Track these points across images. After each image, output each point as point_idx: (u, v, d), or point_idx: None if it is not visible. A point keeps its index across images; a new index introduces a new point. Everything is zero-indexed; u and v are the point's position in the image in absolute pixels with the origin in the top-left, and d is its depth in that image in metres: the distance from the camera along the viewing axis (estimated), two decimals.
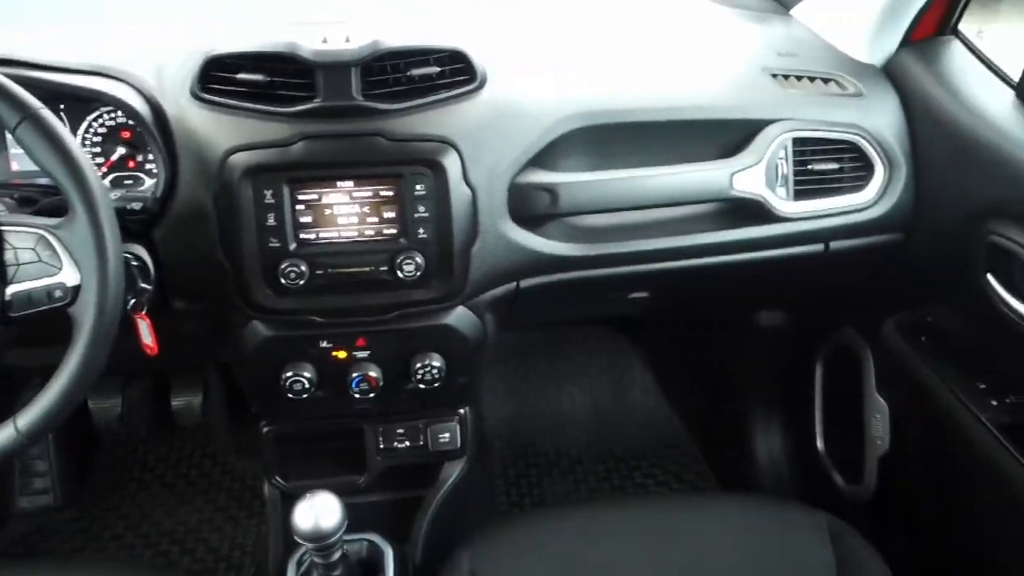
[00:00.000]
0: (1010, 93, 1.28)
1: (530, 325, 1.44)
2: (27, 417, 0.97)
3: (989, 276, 1.24)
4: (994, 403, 1.25)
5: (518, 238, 1.22)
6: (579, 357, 2.12)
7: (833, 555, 1.11)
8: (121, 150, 1.25)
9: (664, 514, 1.21)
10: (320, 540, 1.07)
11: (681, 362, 2.05)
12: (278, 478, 1.44)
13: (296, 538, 1.09)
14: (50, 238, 0.97)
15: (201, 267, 1.17)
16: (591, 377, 2.10)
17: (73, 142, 0.96)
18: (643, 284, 1.41)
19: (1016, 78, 1.28)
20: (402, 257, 1.16)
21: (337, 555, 1.14)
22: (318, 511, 1.07)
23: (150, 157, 1.25)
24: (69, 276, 0.96)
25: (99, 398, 1.84)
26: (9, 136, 1.24)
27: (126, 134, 1.25)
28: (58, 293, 0.96)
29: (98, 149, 1.24)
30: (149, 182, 1.25)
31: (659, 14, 1.56)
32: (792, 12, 1.60)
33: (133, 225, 1.15)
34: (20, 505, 1.83)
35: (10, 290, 0.97)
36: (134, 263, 1.14)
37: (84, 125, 1.23)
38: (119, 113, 1.24)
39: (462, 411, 1.45)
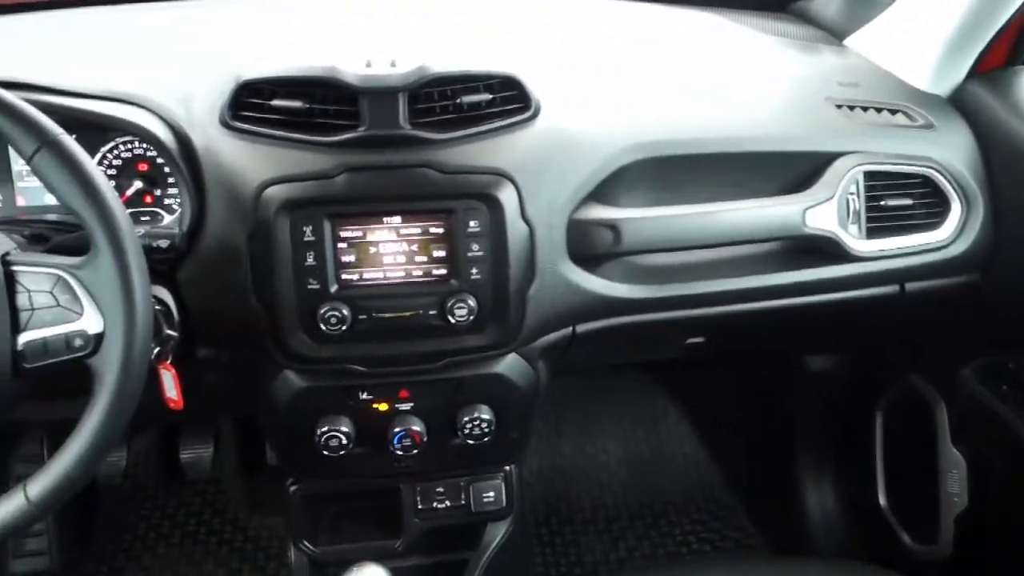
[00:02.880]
0: None
1: (570, 371, 1.33)
2: (40, 485, 0.85)
3: None
4: None
5: (577, 279, 1.12)
6: (612, 403, 2.01)
7: None
8: (138, 184, 1.15)
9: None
10: None
11: (721, 408, 1.94)
12: (306, 543, 1.31)
13: None
14: (70, 279, 0.86)
15: (231, 311, 1.06)
16: (625, 425, 1.99)
17: (97, 172, 0.86)
18: (704, 328, 1.31)
19: None
20: (453, 300, 1.06)
21: None
22: None
23: (170, 191, 1.16)
24: (91, 323, 0.86)
25: None
26: (16, 168, 1.17)
27: (143, 166, 1.15)
28: (78, 342, 0.86)
29: (112, 183, 1.14)
30: (169, 218, 1.16)
31: (703, 41, 1.48)
32: (846, 42, 1.52)
33: (157, 265, 1.05)
34: (12, 569, 1.69)
35: (23, 338, 0.86)
36: (157, 307, 1.03)
37: (98, 156, 1.14)
38: (136, 143, 1.14)
39: (508, 467, 1.33)
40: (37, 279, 0.86)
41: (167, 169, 1.14)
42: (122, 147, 1.15)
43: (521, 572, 1.66)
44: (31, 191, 1.17)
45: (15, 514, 0.85)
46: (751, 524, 1.86)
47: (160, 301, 1.04)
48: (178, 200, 1.14)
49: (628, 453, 1.97)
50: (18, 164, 1.16)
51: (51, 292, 0.86)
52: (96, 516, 1.81)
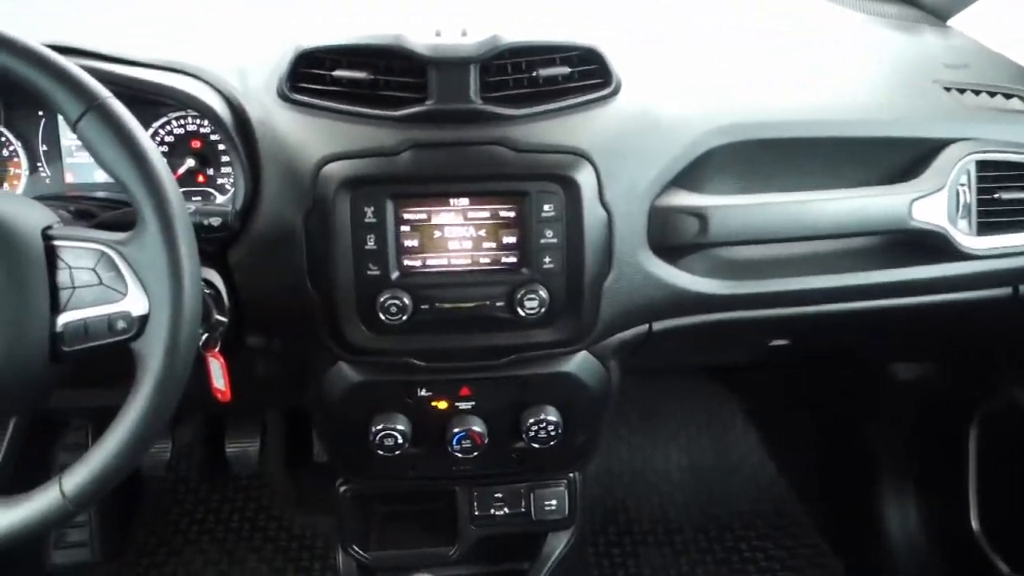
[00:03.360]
0: None
1: (637, 370, 1.23)
2: (76, 479, 0.78)
3: None
4: None
5: (657, 271, 1.03)
6: (674, 406, 1.90)
7: None
8: (190, 162, 1.10)
9: None
10: None
11: (793, 417, 1.82)
12: (355, 547, 1.23)
13: None
14: (114, 256, 0.79)
15: (284, 297, 0.99)
16: (689, 431, 1.88)
17: (147, 139, 0.79)
18: (791, 330, 1.20)
19: None
20: (523, 291, 0.97)
21: None
22: None
23: (223, 171, 1.10)
24: (135, 303, 0.79)
25: None
26: (65, 143, 1.11)
27: (196, 144, 1.10)
28: (121, 324, 0.79)
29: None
30: (221, 199, 1.09)
31: (797, 19, 1.37)
32: (950, 23, 1.40)
33: (207, 246, 0.98)
34: (53, 560, 1.64)
35: (63, 319, 0.79)
36: (207, 291, 0.96)
37: (149, 132, 1.07)
38: (190, 119, 1.09)
39: (572, 474, 1.24)
40: (79, 255, 0.80)
41: (221, 147, 1.08)
42: (175, 123, 1.10)
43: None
44: (80, 168, 1.12)
45: (49, 510, 0.79)
46: (824, 542, 1.74)
47: (209, 284, 0.98)
48: (231, 180, 1.08)
49: (692, 461, 1.86)
50: (68, 138, 1.11)
51: (94, 269, 0.80)
52: (138, 508, 1.76)
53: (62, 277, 0.80)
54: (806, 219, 1.05)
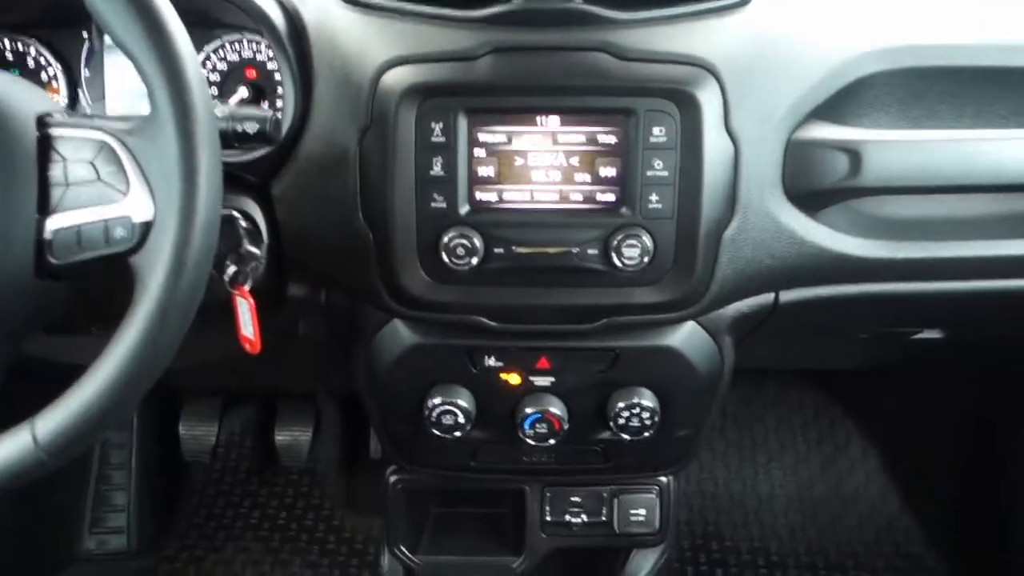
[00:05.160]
0: None
1: (739, 370, 1.02)
2: (51, 423, 0.63)
3: None
4: None
5: (792, 223, 0.84)
6: (780, 420, 1.66)
7: None
8: (243, 91, 0.95)
9: None
10: None
11: (925, 439, 1.55)
12: (403, 548, 1.05)
13: None
14: (116, 147, 0.65)
15: (333, 235, 0.84)
16: (797, 451, 1.64)
17: (167, 7, 0.63)
18: (947, 315, 0.97)
19: None
20: (622, 236, 0.80)
21: None
22: None
23: (279, 103, 0.94)
24: (138, 207, 0.65)
25: (192, 422, 1.53)
26: (110, 69, 0.99)
27: (252, 73, 0.96)
28: (119, 231, 0.64)
29: (215, 91, 0.96)
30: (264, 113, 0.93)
31: None
32: None
33: (248, 175, 0.85)
34: (86, 546, 1.52)
35: (52, 223, 0.65)
36: (242, 223, 0.81)
37: (202, 56, 0.94)
38: (245, 42, 0.95)
39: (665, 479, 1.03)
40: (77, 146, 0.66)
41: (278, 76, 0.94)
42: (228, 47, 0.97)
43: None
44: (124, 96, 0.99)
45: (18, 459, 0.64)
46: None
47: (246, 215, 0.84)
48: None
49: (799, 487, 1.61)
50: (112, 64, 0.98)
51: (91, 163, 0.65)
52: (180, 496, 1.62)
53: (55, 172, 0.66)
54: (985, 164, 0.84)
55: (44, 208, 0.65)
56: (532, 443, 0.91)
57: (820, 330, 1.00)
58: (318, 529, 1.58)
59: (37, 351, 0.91)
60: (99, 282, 0.72)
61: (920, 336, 1.04)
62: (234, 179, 0.83)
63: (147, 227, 0.64)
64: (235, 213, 0.83)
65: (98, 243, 0.64)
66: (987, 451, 1.47)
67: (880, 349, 1.14)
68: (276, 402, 1.60)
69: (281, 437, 1.55)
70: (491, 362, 0.89)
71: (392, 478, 1.05)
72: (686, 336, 0.88)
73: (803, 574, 1.51)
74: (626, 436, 0.91)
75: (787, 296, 0.89)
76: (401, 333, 0.89)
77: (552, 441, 0.91)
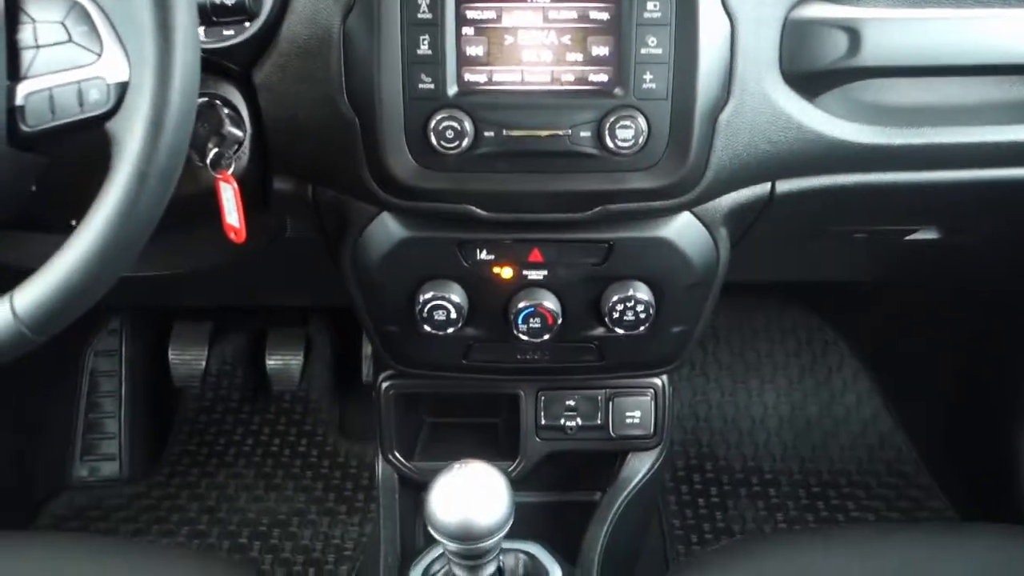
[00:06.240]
0: None
1: (732, 285, 1.00)
2: (31, 294, 0.61)
3: None
4: None
5: (788, 107, 0.81)
6: (774, 348, 1.65)
7: None
8: None
9: (930, 550, 0.82)
10: (472, 540, 0.66)
11: (917, 357, 1.55)
12: (397, 454, 1.04)
13: (433, 533, 0.68)
14: (87, 5, 0.62)
15: (318, 122, 0.81)
16: (789, 372, 1.63)
17: None
18: (944, 209, 0.95)
19: None
20: (616, 117, 0.77)
21: (490, 570, 0.73)
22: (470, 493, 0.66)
23: None
24: (112, 67, 0.62)
25: (181, 346, 1.51)
26: None
27: None
28: (93, 95, 0.61)
29: None
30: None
31: None
32: None
33: (227, 63, 0.81)
34: (78, 473, 1.51)
35: (24, 88, 0.62)
36: (224, 109, 0.78)
37: None
38: None
39: (659, 381, 1.02)
40: (46, 6, 0.63)
41: None
42: None
43: (658, 530, 1.36)
44: None
45: None
46: (951, 507, 1.47)
47: (227, 102, 0.80)
48: None
49: (792, 409, 1.61)
50: None
51: (62, 23, 0.62)
52: (172, 424, 1.61)
53: (24, 35, 0.62)
54: (987, 42, 0.80)
55: (14, 73, 0.62)
56: (525, 339, 0.89)
57: (815, 228, 0.98)
58: (311, 454, 1.57)
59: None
60: (76, 169, 0.70)
61: (916, 237, 1.03)
62: (215, 67, 0.80)
63: (123, 88, 0.61)
64: (217, 101, 0.81)
65: (72, 108, 0.61)
66: (980, 371, 1.46)
67: (875, 256, 1.12)
68: (266, 329, 1.59)
69: (272, 362, 1.53)
70: (482, 255, 0.86)
71: (384, 384, 1.03)
72: (681, 227, 0.86)
73: (796, 491, 1.51)
74: (620, 331, 0.89)
75: (783, 187, 0.87)
76: (390, 227, 0.86)
77: (546, 337, 0.88)
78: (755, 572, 0.79)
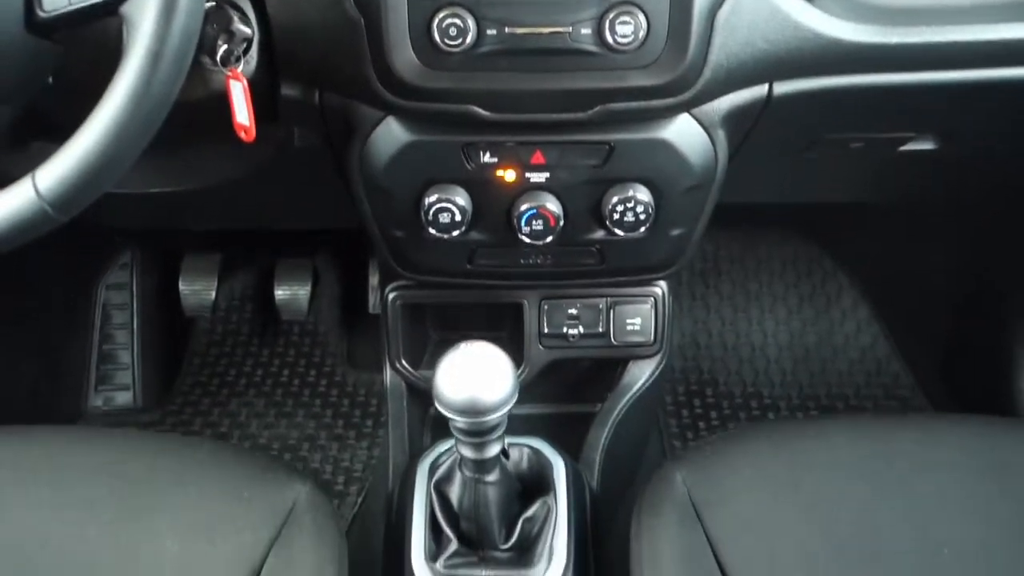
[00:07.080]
0: None
1: (731, 209, 1.02)
2: (54, 173, 0.63)
3: None
4: None
5: (786, 5, 0.83)
6: (774, 279, 1.67)
7: None
8: None
9: (922, 435, 0.87)
10: (478, 414, 0.69)
11: (916, 286, 1.56)
12: (404, 362, 1.07)
13: (440, 408, 0.71)
14: None
15: (323, 25, 0.83)
16: (788, 302, 1.65)
17: None
18: (943, 115, 0.97)
19: None
20: (615, 13, 0.78)
21: (495, 449, 0.76)
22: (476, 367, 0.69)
23: None
24: None
25: (191, 277, 1.54)
26: None
27: None
28: None
29: None
30: None
31: None
32: None
33: None
34: (93, 403, 1.54)
35: None
36: (232, 10, 0.80)
37: None
38: None
39: (659, 289, 1.04)
40: None
41: None
42: None
43: (659, 447, 1.39)
44: None
45: (21, 210, 0.64)
46: None
47: (235, 6, 0.82)
48: None
49: (791, 337, 1.63)
50: None
51: None
52: (184, 356, 1.65)
53: None
54: None
55: None
56: (528, 241, 0.91)
57: (812, 135, 0.99)
58: (320, 384, 1.61)
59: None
60: (89, 67, 0.72)
61: (911, 147, 1.04)
62: None
63: None
64: (225, 4, 0.83)
65: None
66: (979, 296, 1.48)
67: (871, 172, 1.13)
68: (274, 263, 1.61)
69: (280, 292, 1.56)
70: (486, 158, 0.88)
71: (392, 295, 1.06)
72: (680, 129, 0.87)
73: (795, 415, 1.55)
74: (620, 232, 0.91)
75: (780, 88, 0.88)
76: (395, 131, 0.88)
77: (548, 239, 0.91)
78: (752, 456, 0.82)
